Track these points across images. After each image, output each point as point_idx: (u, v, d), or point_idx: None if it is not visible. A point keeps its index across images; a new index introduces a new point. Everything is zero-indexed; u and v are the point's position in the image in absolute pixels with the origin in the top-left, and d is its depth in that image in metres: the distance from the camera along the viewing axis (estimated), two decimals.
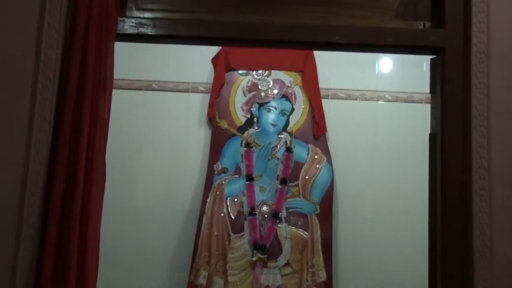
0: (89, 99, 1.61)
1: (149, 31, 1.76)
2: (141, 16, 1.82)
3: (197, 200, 2.89)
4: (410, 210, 2.83)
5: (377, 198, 2.95)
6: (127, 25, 1.76)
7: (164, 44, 2.27)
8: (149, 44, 2.01)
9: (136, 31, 1.76)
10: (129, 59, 2.87)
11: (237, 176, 2.89)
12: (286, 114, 2.95)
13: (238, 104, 2.97)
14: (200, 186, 2.90)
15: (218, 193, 2.85)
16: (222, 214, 2.81)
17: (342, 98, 3.04)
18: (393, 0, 1.85)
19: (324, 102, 2.97)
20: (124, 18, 1.77)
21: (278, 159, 2.90)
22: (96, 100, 1.63)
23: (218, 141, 2.92)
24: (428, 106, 1.83)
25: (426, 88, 1.85)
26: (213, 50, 2.99)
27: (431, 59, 1.83)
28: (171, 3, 1.89)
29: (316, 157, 2.91)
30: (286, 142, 2.92)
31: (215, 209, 2.82)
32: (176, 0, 1.90)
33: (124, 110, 2.93)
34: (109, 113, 1.67)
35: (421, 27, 1.82)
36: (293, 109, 2.96)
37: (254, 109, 2.96)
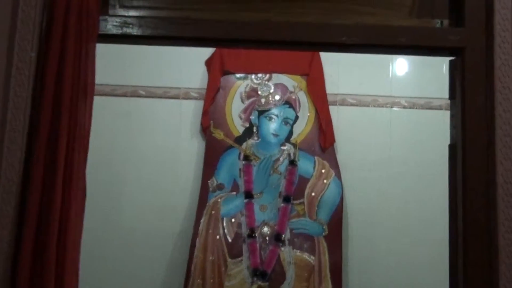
0: (67, 107, 1.61)
1: (134, 31, 1.76)
2: (126, 14, 1.82)
3: (189, 220, 2.89)
4: (429, 230, 2.83)
5: (393, 217, 2.95)
6: (110, 25, 1.76)
7: (151, 45, 2.30)
8: (135, 45, 2.03)
9: (120, 31, 1.76)
10: (113, 62, 2.89)
11: (235, 193, 2.90)
12: (290, 123, 2.97)
13: (235, 112, 2.99)
14: (193, 204, 2.91)
15: (213, 212, 2.86)
16: (217, 237, 2.81)
17: (352, 105, 3.06)
18: None
19: (332, 109, 3.00)
20: (107, 17, 1.77)
21: (280, 173, 2.92)
22: (75, 108, 1.62)
23: (213, 153, 2.94)
24: (449, 113, 1.85)
25: (446, 93, 1.86)
26: (207, 51, 3.01)
27: (450, 61, 1.84)
28: None
29: (323, 171, 2.92)
30: (289, 154, 2.94)
31: (210, 230, 2.82)
32: None
33: (108, 119, 2.94)
34: (90, 122, 1.67)
35: (438, 25, 1.81)
36: (297, 117, 2.98)
37: (253, 117, 2.98)
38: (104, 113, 2.84)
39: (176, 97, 3.06)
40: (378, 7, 1.85)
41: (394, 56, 3.05)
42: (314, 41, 1.80)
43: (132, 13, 1.83)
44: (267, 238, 2.82)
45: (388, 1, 1.86)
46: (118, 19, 1.77)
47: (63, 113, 1.61)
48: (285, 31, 1.79)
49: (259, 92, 3.00)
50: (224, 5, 1.89)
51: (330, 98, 3.01)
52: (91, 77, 1.67)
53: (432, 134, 2.90)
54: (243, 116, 2.99)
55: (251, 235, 2.80)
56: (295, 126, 2.97)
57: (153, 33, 1.77)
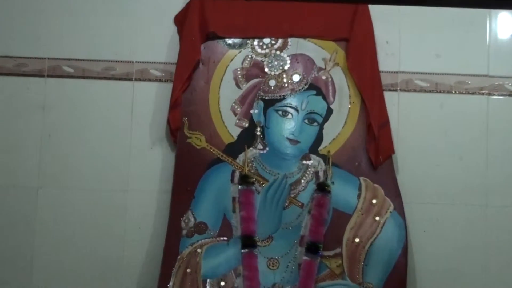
0: None
1: None
2: None
3: (147, 283, 2.95)
4: None
5: (489, 279, 2.98)
6: None
7: None
8: None
9: None
10: (19, 25, 3.04)
11: (225, 239, 2.90)
12: (317, 120, 2.99)
13: (225, 102, 3.01)
14: (154, 258, 2.92)
15: (188, 271, 2.87)
16: None
17: (422, 90, 3.09)
18: None
19: (389, 97, 3.02)
20: None
21: (302, 206, 2.92)
22: None
23: (188, 172, 2.96)
24: None
25: None
26: (178, 2, 3.06)
27: None
28: None
29: (374, 201, 2.93)
30: (317, 173, 2.95)
31: None
32: None
33: (12, 111, 3.08)
34: None
35: None
36: (330, 112, 2.99)
37: (256, 111, 3.00)
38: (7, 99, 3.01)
39: (125, 77, 3.11)
40: None
41: (492, 11, 3.08)
42: None
43: None
44: None
45: None
46: None
47: None
48: None
49: (266, 70, 3.03)
50: None
51: (385, 80, 3.05)
52: None
53: None
54: (239, 109, 3.00)
55: None
56: (326, 126, 2.99)
57: None
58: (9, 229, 3.04)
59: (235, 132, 2.99)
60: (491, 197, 3.03)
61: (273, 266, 2.88)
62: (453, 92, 3.08)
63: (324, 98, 3.00)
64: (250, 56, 3.04)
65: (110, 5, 3.08)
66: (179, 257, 2.87)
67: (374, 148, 2.97)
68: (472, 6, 2.39)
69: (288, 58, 3.03)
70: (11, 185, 3.06)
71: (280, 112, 2.98)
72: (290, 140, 2.97)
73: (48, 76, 3.10)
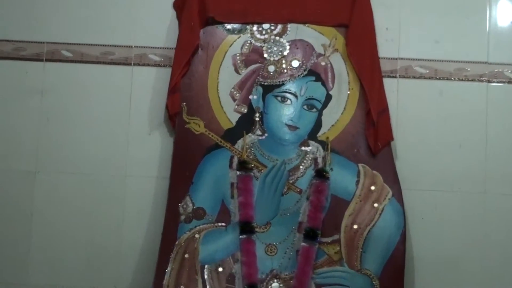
0: None
1: None
2: None
3: (144, 270, 2.95)
4: None
5: (487, 268, 3.00)
6: None
7: None
8: None
9: None
10: (17, 8, 3.03)
11: (223, 224, 2.92)
12: (317, 106, 2.99)
13: (224, 87, 3.02)
14: (152, 244, 2.95)
15: (186, 256, 2.89)
16: None
17: (422, 77, 3.09)
18: None
19: (389, 83, 3.04)
20: None
21: (300, 192, 2.93)
22: None
23: (187, 158, 2.97)
24: None
25: None
26: None
27: None
28: None
29: (373, 188, 2.93)
30: (316, 159, 2.96)
31: (181, 287, 2.85)
32: None
33: (10, 95, 3.09)
34: None
35: None
36: (329, 98, 3.00)
37: (255, 96, 3.00)
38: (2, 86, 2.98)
39: (124, 61, 3.12)
40: None
41: None
42: None
43: None
44: None
45: None
46: None
47: None
48: None
49: (266, 55, 3.03)
50: None
51: (385, 66, 3.05)
52: None
53: None
54: (238, 95, 3.01)
55: None
56: (325, 112, 3.00)
57: None
58: (6, 213, 3.04)
59: (234, 117, 2.99)
60: (490, 185, 3.03)
61: (271, 252, 2.89)
62: (453, 79, 3.07)
63: (323, 84, 3.00)
64: (249, 42, 3.04)
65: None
66: (177, 242, 2.88)
67: (373, 134, 2.97)
68: None
69: (287, 43, 3.02)
70: (9, 169, 3.05)
71: (279, 98, 2.99)
72: (289, 126, 2.97)
73: (47, 60, 3.10)
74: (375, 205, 2.91)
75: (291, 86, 2.99)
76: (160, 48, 3.08)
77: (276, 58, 3.01)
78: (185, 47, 3.02)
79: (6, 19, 3.08)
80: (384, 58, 3.04)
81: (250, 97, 3.00)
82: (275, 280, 2.86)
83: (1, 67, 3.06)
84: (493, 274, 3.02)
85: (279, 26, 3.04)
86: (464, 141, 3.05)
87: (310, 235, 2.86)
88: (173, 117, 3.01)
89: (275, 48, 3.02)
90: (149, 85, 3.08)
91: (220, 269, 2.87)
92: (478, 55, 3.08)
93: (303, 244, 2.86)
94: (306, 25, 3.04)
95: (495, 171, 3.05)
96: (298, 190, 2.93)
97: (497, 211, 3.02)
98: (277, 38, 3.03)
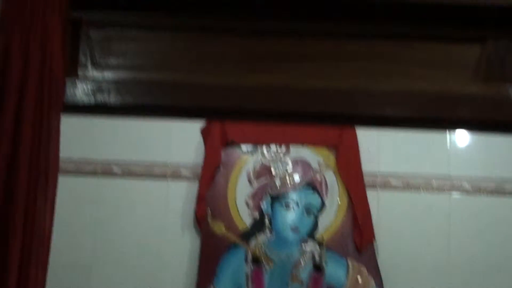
0: (22, 199, 1.71)
1: (111, 99, 1.92)
2: (100, 76, 1.97)
3: None
4: None
5: None
6: (80, 91, 1.90)
7: (133, 118, 2.69)
8: None
9: (92, 101, 1.91)
10: (76, 129, 3.25)
11: None
12: (314, 212, 3.36)
13: (241, 197, 3.40)
14: None
15: None
16: None
17: (397, 189, 3.45)
18: (469, 53, 1.97)
19: (371, 194, 3.39)
20: (75, 79, 1.91)
21: (302, 283, 3.27)
22: (33, 202, 1.72)
23: (211, 254, 3.29)
24: None
25: None
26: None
27: None
28: (144, 56, 2.03)
29: (359, 279, 3.28)
30: (313, 255, 3.31)
31: None
32: (151, 53, 2.04)
33: (71, 205, 3.29)
34: (52, 221, 1.76)
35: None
36: (323, 206, 3.38)
37: (265, 205, 3.38)
38: (66, 198, 3.03)
39: (161, 176, 3.47)
40: (432, 69, 1.97)
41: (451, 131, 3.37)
42: (347, 114, 1.99)
43: (109, 74, 1.99)
44: None
45: (446, 61, 1.98)
46: (90, 84, 1.93)
47: (17, 209, 1.72)
48: (308, 100, 1.97)
49: (273, 171, 3.40)
50: (229, 65, 2.04)
51: (368, 180, 3.39)
52: (54, 158, 1.78)
53: (506, 229, 3.30)
54: (251, 203, 3.39)
55: None
56: (321, 217, 3.35)
57: (135, 102, 1.94)
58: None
59: (248, 221, 3.37)
60: (455, 278, 3.31)
61: None
62: (421, 190, 3.41)
63: (319, 195, 3.38)
64: (260, 161, 3.41)
65: (152, 124, 3.36)
66: None
67: (359, 234, 3.31)
68: (436, 129, 2.66)
69: (290, 161, 3.39)
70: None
71: (284, 206, 3.35)
72: (292, 228, 3.33)
73: (102, 175, 3.42)
74: None
75: (293, 196, 3.35)
76: (190, 165, 3.42)
77: (281, 174, 3.39)
78: (209, 165, 3.37)
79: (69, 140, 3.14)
80: (367, 173, 3.38)
81: (261, 205, 3.38)
82: None
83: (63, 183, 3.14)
84: None
85: (284, 148, 3.39)
86: (430, 240, 3.34)
87: None
88: (200, 221, 3.35)
89: (280, 165, 3.39)
90: (181, 195, 3.42)
91: None
92: (441, 169, 3.39)
93: None
94: (305, 146, 3.40)
95: (458, 264, 3.30)
96: (300, 281, 3.27)
97: None
98: (282, 157, 3.39)
